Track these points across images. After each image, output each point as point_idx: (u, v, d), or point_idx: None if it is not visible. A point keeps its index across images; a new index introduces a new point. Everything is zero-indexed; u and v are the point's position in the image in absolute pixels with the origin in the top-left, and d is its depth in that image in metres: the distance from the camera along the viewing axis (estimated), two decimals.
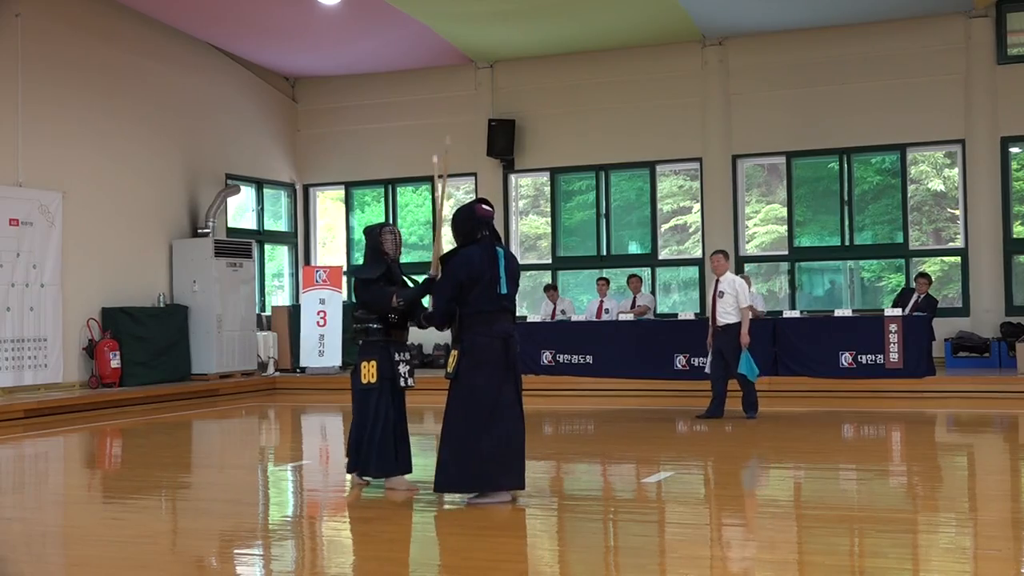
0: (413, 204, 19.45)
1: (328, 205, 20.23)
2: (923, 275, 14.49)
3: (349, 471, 7.44)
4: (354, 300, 7.53)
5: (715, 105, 16.85)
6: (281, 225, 19.46)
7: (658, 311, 16.56)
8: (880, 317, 12.91)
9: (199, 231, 16.68)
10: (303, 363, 16.42)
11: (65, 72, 14.82)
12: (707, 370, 11.73)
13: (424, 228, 19.07)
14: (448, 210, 10.40)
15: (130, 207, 15.78)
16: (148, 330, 15.32)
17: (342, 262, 19.00)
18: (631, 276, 15.95)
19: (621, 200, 18.10)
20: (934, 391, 13.13)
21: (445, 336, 14.19)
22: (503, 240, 9.43)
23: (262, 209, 18.81)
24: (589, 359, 13.83)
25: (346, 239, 19.41)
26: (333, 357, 16.22)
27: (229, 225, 17.78)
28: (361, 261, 9.02)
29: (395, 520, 6.40)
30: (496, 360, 6.67)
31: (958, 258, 16.07)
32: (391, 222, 15.61)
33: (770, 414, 12.00)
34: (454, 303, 6.73)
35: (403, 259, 7.58)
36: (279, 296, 19.41)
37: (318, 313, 16.22)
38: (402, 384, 7.25)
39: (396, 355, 7.24)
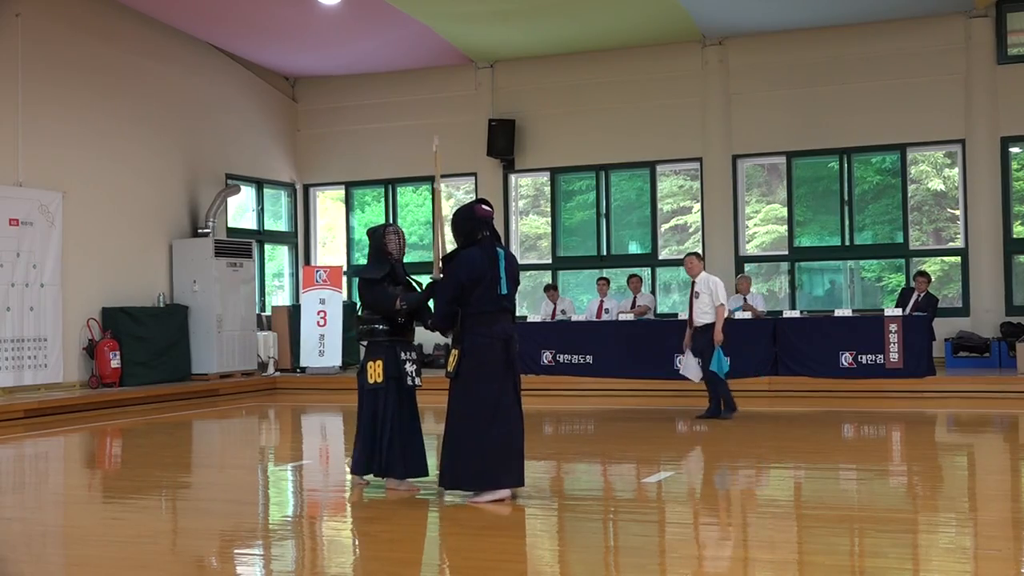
0: (413, 204, 19.45)
1: (328, 205, 20.23)
2: (921, 273, 14.50)
3: (356, 472, 7.36)
4: (357, 301, 7.50)
5: (715, 105, 16.85)
6: (281, 225, 19.46)
7: (658, 311, 16.56)
8: (880, 317, 12.90)
9: (199, 231, 16.69)
10: (303, 363, 16.39)
11: (65, 72, 14.83)
12: (681, 371, 11.77)
13: (424, 228, 19.07)
14: (447, 210, 10.43)
15: (130, 207, 15.78)
16: (148, 330, 15.32)
17: (342, 262, 19.01)
18: (631, 276, 15.95)
19: (621, 200, 18.10)
20: (934, 391, 13.13)
21: (446, 336, 14.18)
22: (503, 240, 9.44)
23: (262, 209, 18.81)
24: (589, 359, 13.82)
25: (346, 239, 19.42)
26: (333, 357, 16.18)
27: (229, 225, 17.78)
28: (364, 262, 9.02)
29: (395, 520, 6.40)
30: (497, 360, 6.69)
31: (958, 258, 16.07)
32: (393, 222, 15.61)
33: (770, 414, 12.01)
34: (456, 305, 6.74)
35: (405, 259, 7.55)
36: (279, 296, 19.41)
37: (318, 313, 16.18)
38: (409, 383, 7.21)
39: (402, 355, 7.20)
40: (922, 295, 14.10)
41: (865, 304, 16.58)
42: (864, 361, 12.80)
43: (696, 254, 11.81)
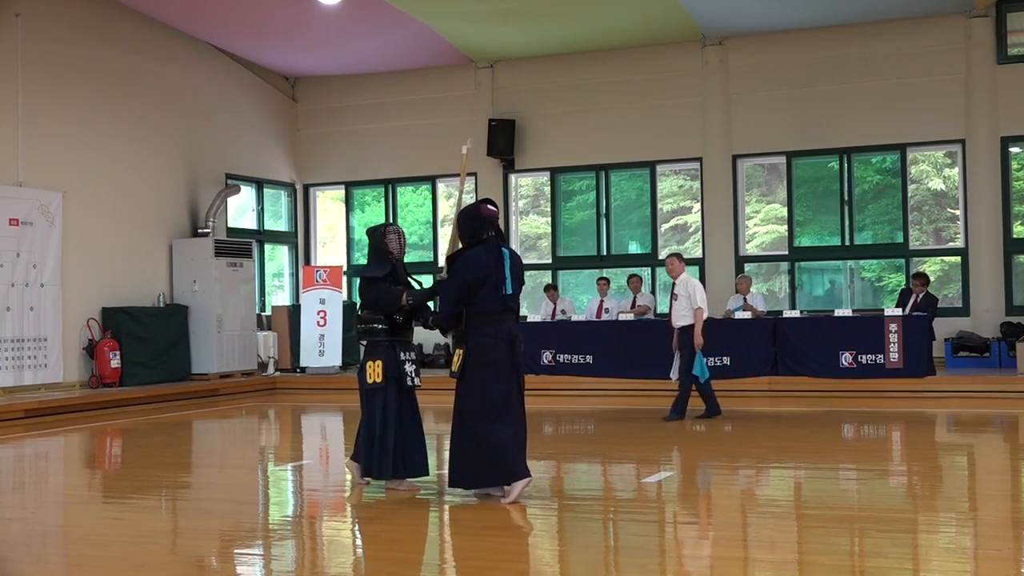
0: (413, 204, 19.45)
1: (328, 205, 20.23)
2: (917, 275, 14.43)
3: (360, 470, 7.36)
4: (357, 300, 7.49)
5: (715, 105, 16.85)
6: (281, 225, 19.46)
7: (658, 311, 16.54)
8: (880, 317, 12.91)
9: (199, 231, 16.68)
10: (303, 363, 16.31)
11: (65, 72, 14.82)
12: (672, 375, 11.71)
13: (424, 228, 19.07)
14: (449, 210, 10.41)
15: (130, 207, 15.78)
16: (148, 330, 15.32)
17: (342, 262, 19.02)
18: (631, 276, 15.95)
19: (621, 200, 18.10)
20: (934, 391, 13.13)
21: (445, 336, 14.19)
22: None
23: (262, 209, 18.81)
24: (589, 359, 13.82)
25: (346, 239, 19.42)
26: (333, 357, 16.14)
27: (229, 225, 17.78)
28: (364, 262, 9.01)
29: (395, 520, 6.40)
30: (502, 360, 6.71)
31: (958, 258, 16.07)
32: (393, 222, 15.60)
33: (770, 414, 12.01)
34: (461, 304, 6.75)
35: (405, 259, 7.55)
36: (279, 296, 19.41)
37: (318, 313, 16.14)
38: (408, 383, 7.21)
39: (402, 354, 7.20)
40: (921, 296, 14.10)
41: (865, 304, 16.58)
42: (864, 361, 12.80)
43: (678, 255, 11.62)
